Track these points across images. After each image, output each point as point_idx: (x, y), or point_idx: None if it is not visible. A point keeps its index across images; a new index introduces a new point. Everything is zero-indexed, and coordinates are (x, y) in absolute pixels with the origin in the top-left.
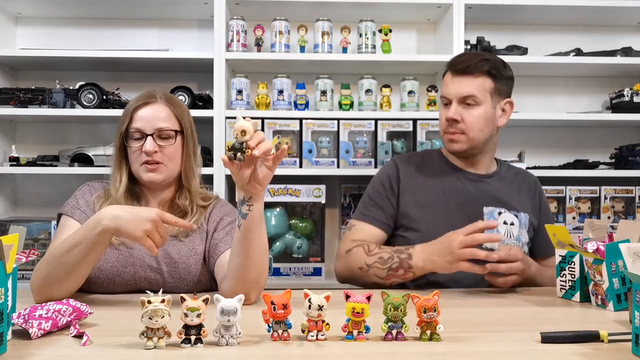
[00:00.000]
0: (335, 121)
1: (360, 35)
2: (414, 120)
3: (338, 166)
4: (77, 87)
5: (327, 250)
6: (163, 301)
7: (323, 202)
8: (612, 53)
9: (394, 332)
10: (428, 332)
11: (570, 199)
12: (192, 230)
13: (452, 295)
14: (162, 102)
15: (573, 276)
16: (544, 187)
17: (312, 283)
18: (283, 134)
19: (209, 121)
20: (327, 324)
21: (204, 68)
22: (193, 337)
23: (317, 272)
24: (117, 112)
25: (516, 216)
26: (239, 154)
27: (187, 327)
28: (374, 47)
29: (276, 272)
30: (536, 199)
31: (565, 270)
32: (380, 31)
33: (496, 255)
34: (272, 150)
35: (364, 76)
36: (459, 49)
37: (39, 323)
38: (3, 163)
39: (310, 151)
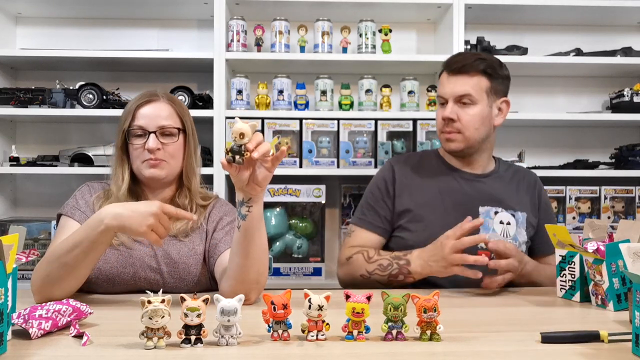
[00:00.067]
0: (335, 121)
1: (360, 35)
2: (414, 120)
3: (338, 166)
4: (77, 87)
5: (327, 250)
6: (163, 301)
7: (323, 202)
8: (612, 53)
9: (394, 332)
10: (428, 332)
11: (570, 199)
12: (193, 221)
13: (452, 295)
14: (164, 100)
15: (573, 276)
16: (544, 187)
17: (312, 283)
18: (283, 134)
19: (209, 121)
20: (327, 324)
21: (204, 68)
22: (193, 337)
23: (317, 272)
24: (117, 112)
25: (513, 215)
26: (237, 157)
27: (187, 327)
28: (374, 47)
29: (276, 272)
30: (535, 197)
31: (565, 270)
32: (380, 31)
33: (486, 260)
34: (272, 150)
35: (364, 76)
36: (459, 49)
37: (39, 323)
38: (3, 163)
39: (310, 151)
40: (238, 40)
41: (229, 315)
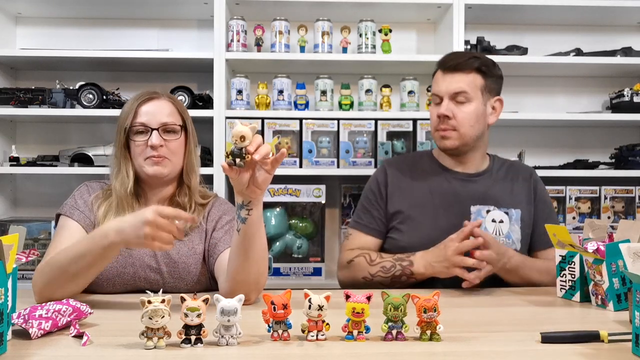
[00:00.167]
0: (335, 121)
1: (360, 35)
2: (414, 120)
3: (338, 166)
4: (77, 87)
5: (327, 250)
6: (163, 301)
7: (323, 202)
8: (612, 53)
9: (394, 332)
10: (428, 332)
11: (570, 199)
12: (194, 222)
13: (452, 295)
14: (165, 98)
15: (573, 276)
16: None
17: (312, 283)
18: (283, 134)
19: (209, 121)
20: (327, 324)
21: (204, 68)
22: (193, 337)
23: (317, 272)
24: (117, 112)
25: (506, 213)
26: (238, 160)
27: (187, 327)
28: (374, 47)
29: (276, 272)
30: (531, 190)
31: (565, 270)
32: (380, 31)
33: (484, 264)
34: (272, 151)
35: (364, 76)
36: (459, 49)
37: (39, 323)
38: (3, 163)
39: (310, 151)
40: (238, 40)
41: (229, 315)
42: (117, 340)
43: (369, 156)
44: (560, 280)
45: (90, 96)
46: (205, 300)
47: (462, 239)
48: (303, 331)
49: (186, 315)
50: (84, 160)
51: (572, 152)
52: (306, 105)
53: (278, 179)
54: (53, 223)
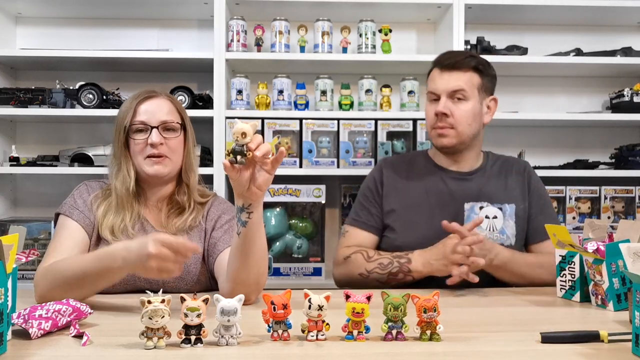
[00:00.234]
0: (335, 121)
1: (360, 35)
2: (414, 120)
3: (338, 166)
4: (77, 87)
5: (327, 250)
6: (163, 301)
7: (323, 202)
8: (612, 53)
9: (394, 332)
10: (428, 332)
11: (570, 199)
12: (197, 252)
13: (452, 295)
14: (163, 96)
15: (573, 276)
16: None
17: (312, 283)
18: (283, 134)
19: (209, 121)
20: (327, 324)
21: (204, 68)
22: (193, 337)
23: (317, 272)
24: (117, 112)
25: (500, 209)
26: (239, 157)
27: (187, 327)
28: (374, 47)
29: (276, 272)
30: (525, 184)
31: (565, 270)
32: (380, 31)
33: (482, 262)
34: (272, 151)
35: (364, 76)
36: (459, 49)
37: (38, 323)
38: (3, 163)
39: (310, 151)
40: (238, 40)
41: (229, 315)
42: (117, 340)
43: (369, 156)
44: (560, 280)
45: (90, 96)
46: (205, 300)
47: (461, 237)
48: (303, 331)
49: (186, 315)
50: (84, 160)
51: (572, 152)
52: (306, 105)
53: (278, 179)
54: (53, 223)
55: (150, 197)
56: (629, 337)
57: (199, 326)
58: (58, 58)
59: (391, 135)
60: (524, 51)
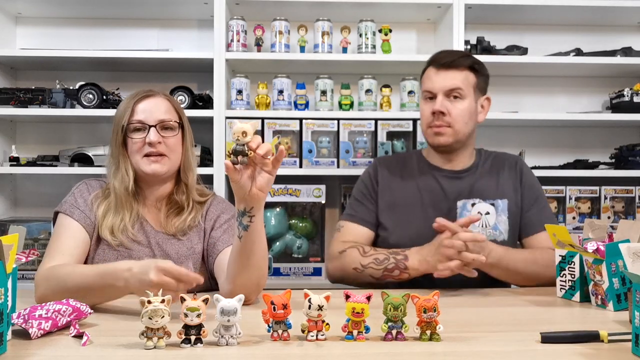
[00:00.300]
0: (335, 121)
1: (360, 35)
2: (414, 120)
3: (338, 166)
4: (77, 87)
5: (327, 250)
6: (163, 301)
7: (323, 202)
8: (612, 53)
9: (394, 332)
10: (428, 332)
11: (570, 199)
12: (199, 283)
13: (452, 295)
14: (161, 95)
15: (573, 276)
16: (544, 187)
17: (312, 283)
18: (283, 134)
19: (209, 121)
20: (327, 324)
21: (204, 68)
22: (193, 337)
23: (317, 272)
24: None
25: (492, 204)
26: (240, 157)
27: (187, 327)
28: (374, 47)
29: (276, 272)
30: (518, 178)
31: (565, 270)
32: (380, 31)
33: (470, 257)
34: (272, 150)
35: (364, 76)
36: (459, 49)
37: (38, 323)
38: (3, 163)
39: (310, 151)
40: (238, 40)
41: (229, 315)
42: (117, 340)
43: (369, 156)
44: (560, 280)
45: (90, 96)
46: (205, 300)
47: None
48: (303, 331)
49: (186, 315)
50: (84, 160)
51: (572, 152)
52: (306, 105)
53: (278, 179)
54: (52, 221)
55: (148, 196)
56: (629, 337)
57: (199, 326)
58: (58, 58)
59: (391, 135)
60: (524, 51)
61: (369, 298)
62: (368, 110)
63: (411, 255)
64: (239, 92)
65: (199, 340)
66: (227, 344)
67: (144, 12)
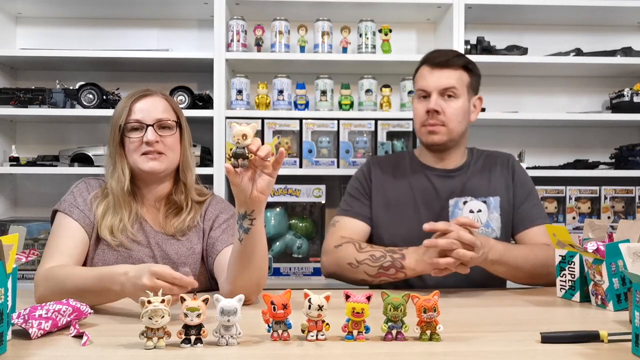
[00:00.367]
0: (335, 121)
1: (360, 35)
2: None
3: (338, 166)
4: (77, 87)
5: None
6: (163, 301)
7: (323, 202)
8: (612, 53)
9: (394, 332)
10: (428, 332)
11: (570, 199)
12: (194, 287)
13: (452, 295)
14: (159, 95)
15: (573, 276)
16: (543, 187)
17: (312, 283)
18: (283, 134)
19: (209, 121)
20: (327, 324)
21: (204, 68)
22: (193, 337)
23: (317, 272)
24: None
25: (484, 202)
26: (241, 160)
27: (187, 327)
28: (374, 47)
29: (276, 272)
30: (510, 176)
31: (565, 270)
32: (380, 31)
33: (469, 255)
34: (272, 150)
35: (364, 76)
36: (459, 49)
37: (38, 323)
38: (3, 163)
39: (310, 151)
40: (238, 40)
41: (229, 315)
42: (117, 340)
43: (368, 156)
44: (560, 280)
45: (90, 96)
46: (205, 300)
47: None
48: (303, 331)
49: (186, 315)
50: (84, 160)
51: (572, 152)
52: (306, 105)
53: (278, 179)
54: (50, 219)
55: (147, 195)
56: (629, 337)
57: (199, 326)
58: (58, 58)
59: (391, 135)
60: (524, 51)
61: (369, 298)
62: (368, 110)
63: (408, 254)
64: (239, 92)
65: (199, 340)
66: (227, 344)
67: (144, 12)
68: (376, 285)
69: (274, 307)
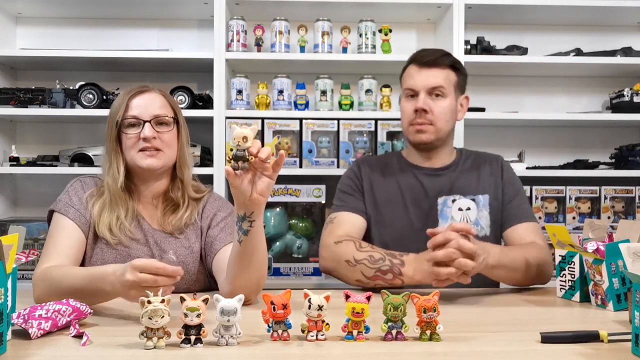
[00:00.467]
0: (335, 121)
1: (360, 35)
2: None
3: (338, 166)
4: (77, 87)
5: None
6: (163, 301)
7: (323, 202)
8: (612, 53)
9: (394, 332)
10: (428, 332)
11: (570, 199)
12: (179, 274)
13: (452, 295)
14: (156, 91)
15: (573, 276)
16: (544, 187)
17: (312, 283)
18: (283, 134)
19: (209, 121)
20: (327, 324)
21: (204, 68)
22: (193, 337)
23: (317, 272)
24: None
25: (473, 200)
26: (241, 163)
27: (187, 327)
28: (374, 47)
29: (276, 272)
30: (499, 176)
31: (565, 270)
32: (380, 31)
33: (470, 264)
34: (272, 151)
35: (364, 76)
36: (459, 49)
37: (38, 323)
38: (3, 163)
39: (310, 151)
40: (238, 40)
41: (229, 315)
42: (117, 340)
43: (368, 156)
44: (560, 280)
45: (90, 96)
46: (205, 300)
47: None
48: (303, 331)
49: (186, 315)
50: (84, 160)
51: (572, 152)
52: (306, 105)
53: (278, 179)
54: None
55: (143, 192)
56: (629, 337)
57: (199, 326)
58: (58, 58)
59: (391, 135)
60: (524, 51)
61: (369, 298)
62: (368, 110)
63: (408, 262)
64: (239, 92)
65: (198, 340)
66: (227, 344)
67: (144, 12)
68: (372, 288)
69: (274, 307)
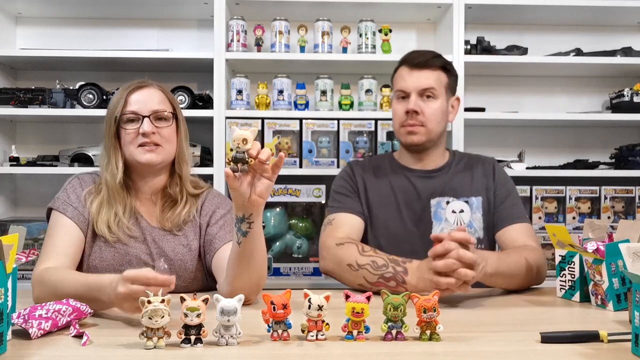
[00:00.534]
0: (335, 121)
1: (360, 35)
2: None
3: (338, 166)
4: (77, 87)
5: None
6: (163, 301)
7: (323, 202)
8: (612, 53)
9: (394, 332)
10: (428, 332)
11: (570, 199)
12: (171, 283)
13: (452, 295)
14: (154, 86)
15: (573, 276)
16: (543, 187)
17: (312, 283)
18: (283, 134)
19: (209, 121)
20: (327, 324)
21: (204, 68)
22: (193, 337)
23: (317, 272)
24: None
25: (466, 202)
26: (240, 165)
27: (187, 327)
28: (374, 47)
29: (276, 272)
30: (491, 179)
31: (565, 270)
32: (380, 31)
33: (470, 274)
34: (272, 151)
35: (364, 76)
36: (459, 49)
37: (38, 323)
38: (3, 163)
39: (310, 151)
40: (238, 40)
41: (229, 315)
42: (117, 340)
43: (369, 156)
44: (560, 280)
45: (90, 96)
46: (205, 300)
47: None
48: (303, 331)
49: (186, 315)
50: (84, 160)
51: (572, 152)
52: (306, 105)
53: (278, 179)
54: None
55: (142, 188)
56: (629, 337)
57: (199, 326)
58: (58, 58)
59: (391, 135)
60: (524, 51)
61: (369, 298)
62: (368, 110)
63: (411, 270)
64: (239, 92)
65: (199, 340)
66: (227, 344)
67: (144, 12)
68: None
69: (274, 307)
